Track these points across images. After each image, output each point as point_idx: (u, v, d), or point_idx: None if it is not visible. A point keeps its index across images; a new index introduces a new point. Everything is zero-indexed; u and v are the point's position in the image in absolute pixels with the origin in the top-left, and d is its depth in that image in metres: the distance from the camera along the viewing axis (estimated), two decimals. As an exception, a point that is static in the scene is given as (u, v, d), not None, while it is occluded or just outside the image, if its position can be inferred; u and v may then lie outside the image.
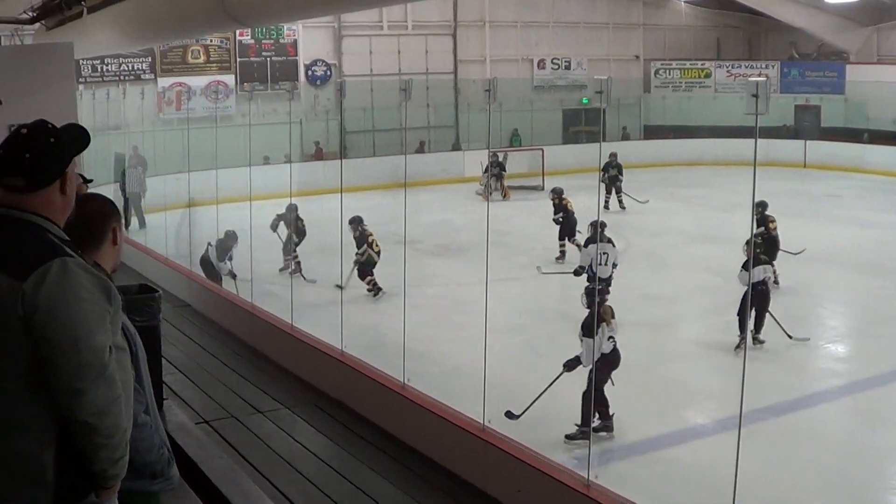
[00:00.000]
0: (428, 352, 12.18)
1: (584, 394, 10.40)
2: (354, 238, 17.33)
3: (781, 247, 17.10)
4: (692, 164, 34.97)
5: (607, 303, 11.27)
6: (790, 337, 14.05)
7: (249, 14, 13.22)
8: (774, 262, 15.66)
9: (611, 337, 10.77)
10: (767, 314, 14.05)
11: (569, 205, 20.38)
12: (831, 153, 34.41)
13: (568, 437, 10.47)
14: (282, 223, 19.31)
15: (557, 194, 20.50)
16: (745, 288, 13.16)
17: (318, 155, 32.04)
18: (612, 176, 26.04)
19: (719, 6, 39.81)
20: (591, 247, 13.83)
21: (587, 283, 12.84)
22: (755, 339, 13.87)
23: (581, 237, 18.53)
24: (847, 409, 12.39)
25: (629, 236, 22.52)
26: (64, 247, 3.21)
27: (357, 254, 17.25)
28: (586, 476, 6.82)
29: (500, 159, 29.36)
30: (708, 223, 22.61)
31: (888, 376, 13.00)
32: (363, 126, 33.13)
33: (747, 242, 13.70)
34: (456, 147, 35.29)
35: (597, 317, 10.40)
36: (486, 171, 27.61)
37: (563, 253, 20.14)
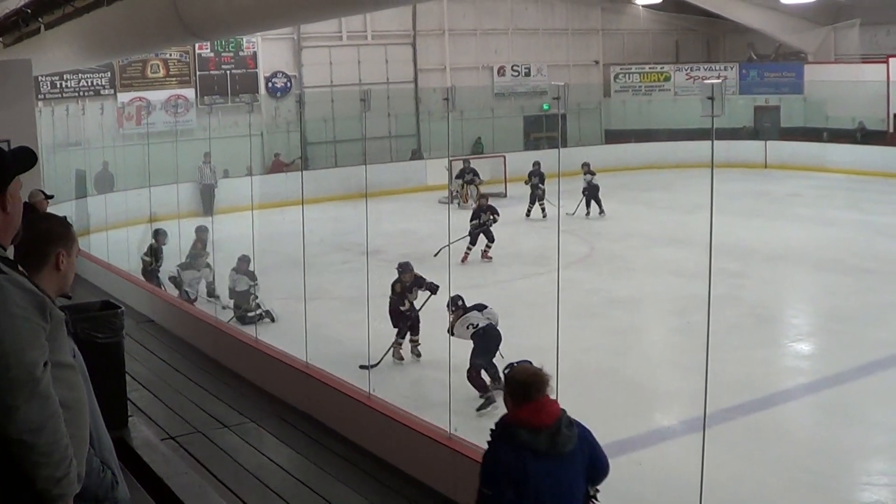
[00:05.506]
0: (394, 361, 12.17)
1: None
2: None
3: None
4: (653, 168, 35.13)
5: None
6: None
7: (207, 27, 13.16)
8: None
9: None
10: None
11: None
12: (792, 153, 34.70)
13: None
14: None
15: None
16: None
17: (277, 166, 31.89)
18: (533, 184, 26.28)
19: (677, 9, 40.02)
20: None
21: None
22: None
23: None
24: (813, 406, 12.48)
25: (592, 240, 22.61)
26: None
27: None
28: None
29: (471, 165, 29.40)
30: (670, 226, 22.70)
31: (852, 373, 13.10)
32: (324, 137, 33.05)
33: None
34: (417, 156, 35.29)
35: None
36: (458, 176, 27.67)
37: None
